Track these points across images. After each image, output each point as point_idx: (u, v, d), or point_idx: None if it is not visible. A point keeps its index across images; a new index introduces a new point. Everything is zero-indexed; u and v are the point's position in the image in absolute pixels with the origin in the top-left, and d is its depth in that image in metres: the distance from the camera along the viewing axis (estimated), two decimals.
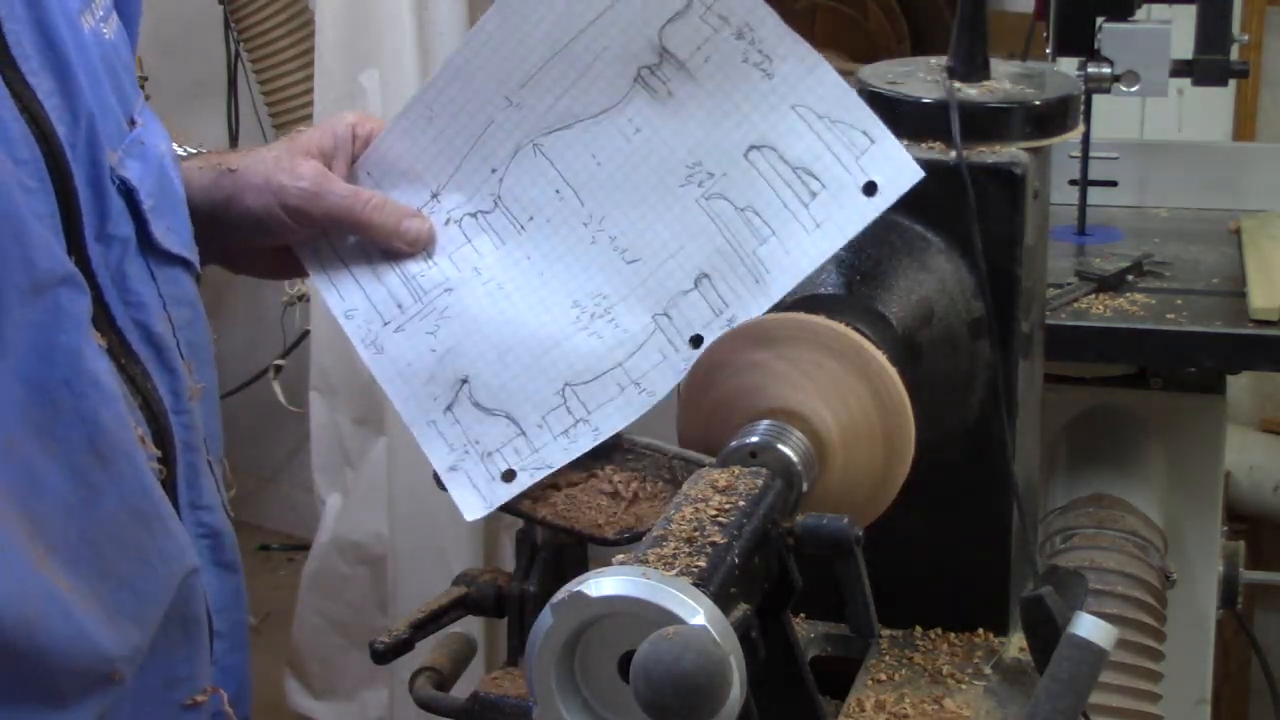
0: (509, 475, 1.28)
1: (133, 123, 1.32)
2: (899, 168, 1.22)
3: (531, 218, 1.32)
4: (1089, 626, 1.05)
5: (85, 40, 1.26)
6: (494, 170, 1.34)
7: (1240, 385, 3.20)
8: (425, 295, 1.37)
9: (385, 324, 1.38)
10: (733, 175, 1.26)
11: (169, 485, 1.29)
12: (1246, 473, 3.19)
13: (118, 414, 1.22)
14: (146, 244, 1.30)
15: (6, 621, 1.15)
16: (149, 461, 1.26)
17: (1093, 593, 1.48)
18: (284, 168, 1.43)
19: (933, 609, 1.34)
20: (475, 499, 1.30)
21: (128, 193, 1.28)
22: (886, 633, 1.33)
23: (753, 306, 1.25)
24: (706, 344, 1.23)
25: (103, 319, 1.24)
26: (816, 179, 1.23)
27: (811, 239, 1.23)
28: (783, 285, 1.24)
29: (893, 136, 1.22)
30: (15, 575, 1.15)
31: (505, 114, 1.34)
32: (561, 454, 1.26)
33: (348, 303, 1.41)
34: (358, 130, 1.44)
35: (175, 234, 1.34)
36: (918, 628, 1.35)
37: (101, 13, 1.30)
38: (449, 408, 1.32)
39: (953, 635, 1.34)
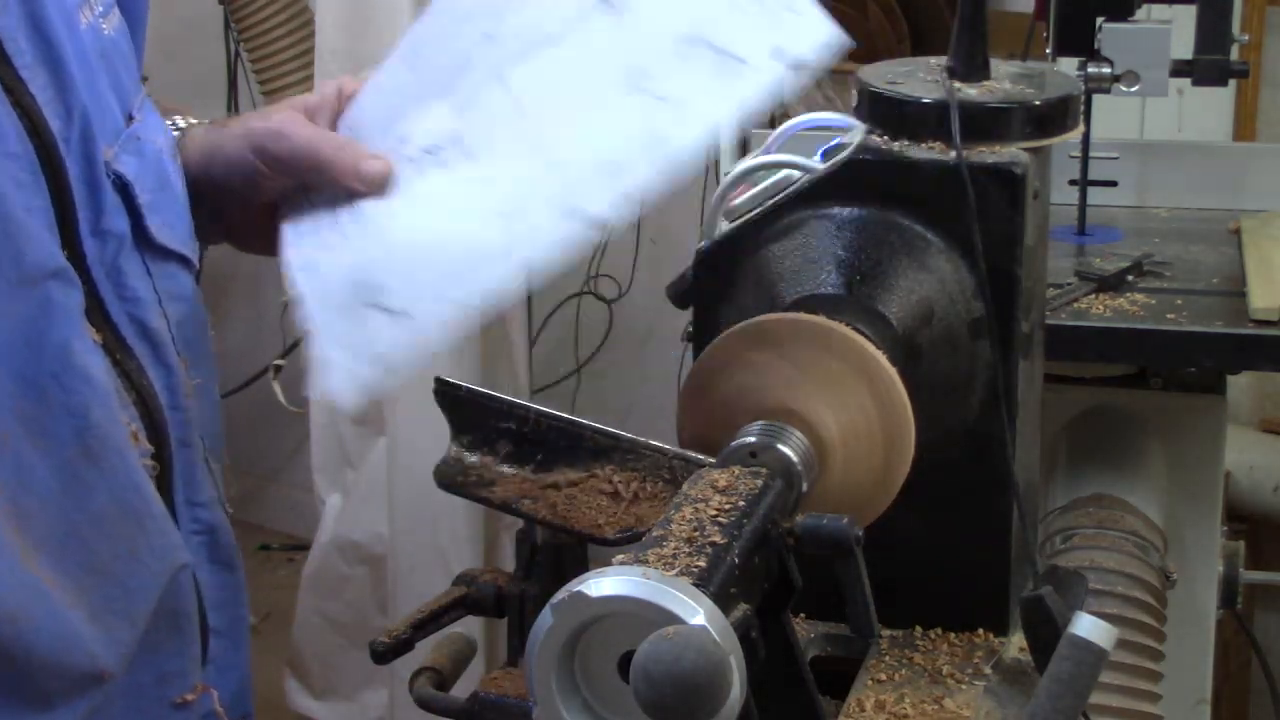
0: (388, 365, 1.29)
1: (131, 118, 1.33)
2: (819, 35, 1.27)
3: (487, 149, 1.35)
4: (1089, 626, 1.05)
5: (81, 36, 1.26)
6: (461, 108, 1.36)
7: (1240, 385, 3.20)
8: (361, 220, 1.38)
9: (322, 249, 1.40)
10: (662, 67, 1.30)
11: (164, 481, 1.29)
12: (1246, 473, 3.19)
13: (109, 409, 1.22)
14: (142, 239, 1.30)
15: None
16: (141, 458, 1.26)
17: (1093, 593, 1.48)
18: (259, 115, 1.46)
19: (933, 609, 1.34)
20: (350, 387, 1.29)
21: (123, 188, 1.27)
22: (886, 633, 1.33)
23: (658, 182, 1.28)
24: (608, 222, 1.28)
25: (97, 314, 1.24)
26: (733, 54, 1.27)
27: (727, 106, 1.28)
28: (693, 150, 1.27)
29: (816, 6, 1.28)
30: (7, 577, 1.15)
31: (481, 50, 1.35)
32: (439, 329, 1.28)
33: (304, 256, 1.42)
34: (344, 89, 1.45)
35: (172, 230, 1.34)
36: (918, 628, 1.35)
37: (101, 8, 1.30)
38: (353, 310, 1.33)
39: (953, 635, 1.34)
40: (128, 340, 1.27)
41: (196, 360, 1.38)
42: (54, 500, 1.19)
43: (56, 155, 1.21)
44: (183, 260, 1.36)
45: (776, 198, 1.33)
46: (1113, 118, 2.73)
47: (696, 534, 1.02)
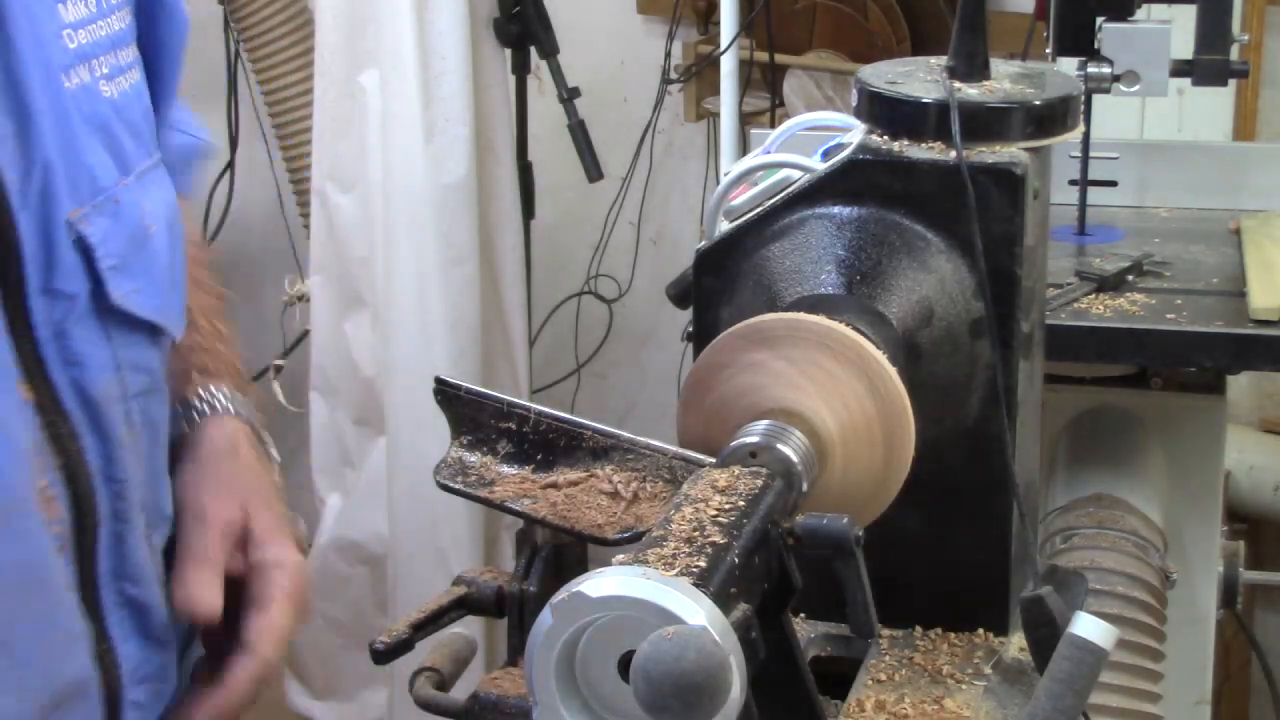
0: None
1: (120, 182, 1.28)
2: None
3: None
4: (1089, 626, 1.05)
5: (63, 94, 1.22)
6: None
7: (1240, 385, 3.20)
8: None
9: None
10: None
11: (85, 551, 1.25)
12: (1246, 473, 3.19)
13: (24, 472, 1.18)
14: (103, 304, 1.25)
15: None
16: (52, 525, 1.22)
17: (1093, 593, 1.48)
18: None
19: (933, 609, 1.34)
20: None
21: (85, 249, 1.23)
22: (886, 633, 1.33)
23: None
24: None
25: (37, 374, 1.20)
26: None
27: None
28: None
29: None
30: None
31: None
32: None
33: None
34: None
35: (143, 297, 1.29)
36: (918, 628, 1.35)
37: (107, 70, 1.27)
38: None
39: (953, 635, 1.34)
40: (64, 403, 1.23)
41: (155, 434, 1.33)
42: None
43: (6, 208, 1.17)
44: (152, 330, 1.31)
45: (776, 198, 1.33)
46: (1113, 118, 2.73)
47: (696, 534, 1.02)
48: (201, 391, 1.44)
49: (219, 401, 1.45)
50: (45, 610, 1.22)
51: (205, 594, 1.34)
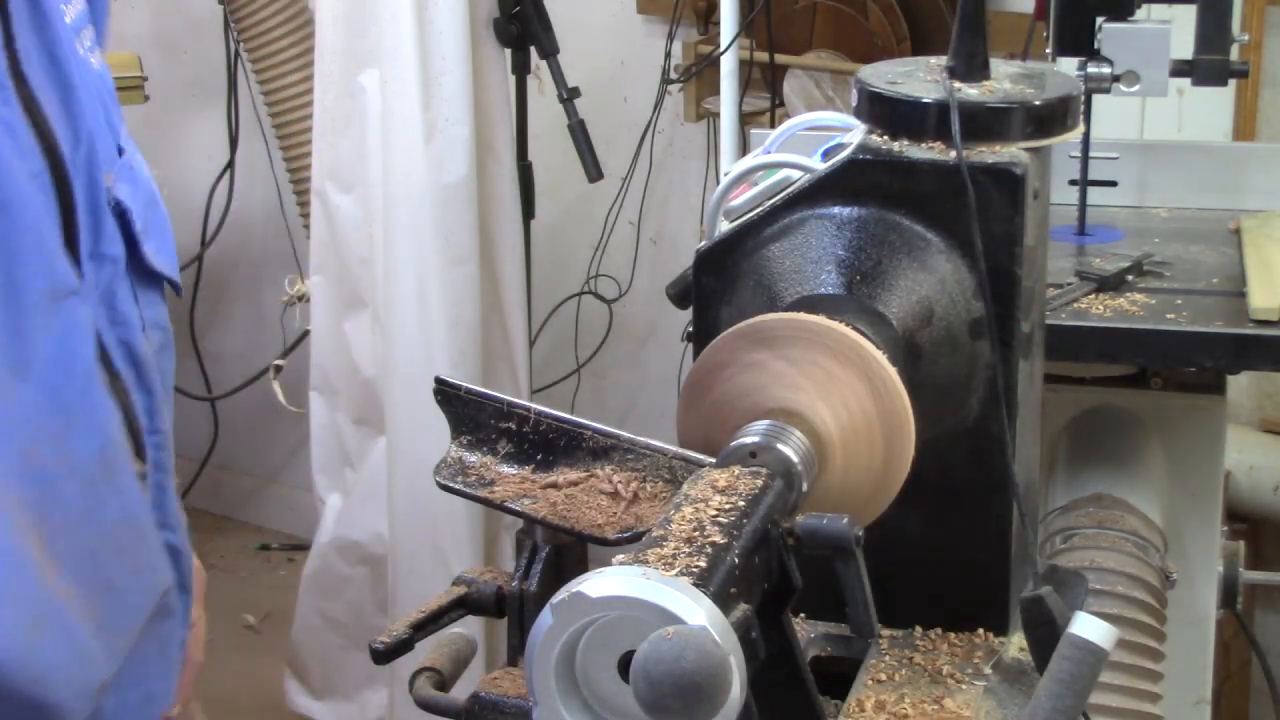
0: None
1: (122, 151, 1.34)
2: None
3: None
4: (1089, 626, 1.05)
5: (84, 65, 1.27)
6: None
7: (1240, 385, 3.20)
8: None
9: None
10: None
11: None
12: (1246, 473, 3.19)
13: (118, 427, 1.25)
14: (136, 265, 1.31)
15: (13, 654, 1.15)
16: (137, 478, 1.28)
17: (1093, 593, 1.47)
18: None
19: (933, 609, 1.34)
20: None
21: (121, 214, 1.29)
22: (886, 633, 1.33)
23: None
24: None
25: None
26: None
27: None
28: None
29: None
30: (29, 596, 1.17)
31: None
32: None
33: None
34: None
35: (163, 255, 1.36)
36: (918, 628, 1.35)
37: (89, 43, 1.31)
38: None
39: (953, 635, 1.34)
40: (116, 364, 1.28)
41: (167, 391, 1.38)
42: (75, 515, 1.21)
43: (66, 177, 1.22)
44: (164, 287, 1.38)
45: (776, 198, 1.33)
46: (1113, 118, 2.73)
47: (696, 534, 1.02)
48: None
49: None
50: (146, 558, 1.30)
51: None
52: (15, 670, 1.16)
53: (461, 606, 1.34)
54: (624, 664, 0.95)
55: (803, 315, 1.19)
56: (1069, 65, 2.29)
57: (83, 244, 1.24)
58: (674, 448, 1.22)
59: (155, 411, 1.32)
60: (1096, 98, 2.31)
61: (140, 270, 1.32)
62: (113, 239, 1.28)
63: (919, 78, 1.34)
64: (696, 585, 0.95)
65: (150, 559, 1.31)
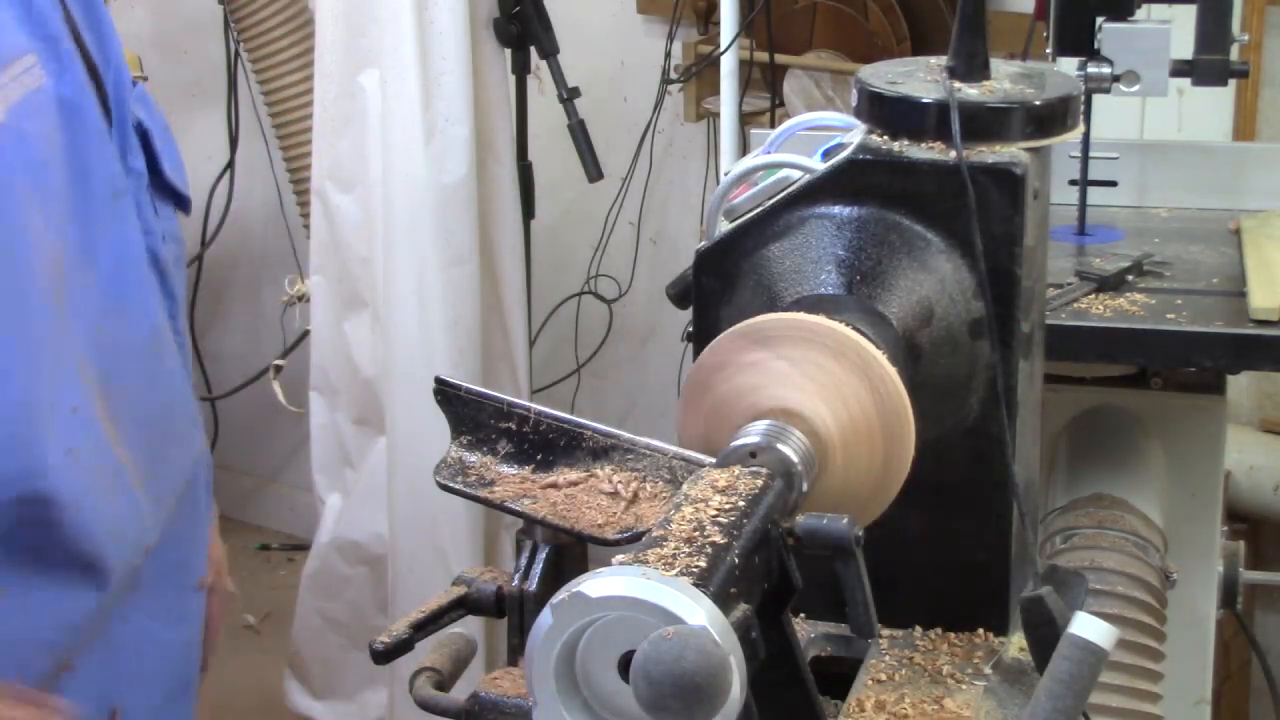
0: None
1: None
2: None
3: None
4: (1089, 626, 1.05)
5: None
6: None
7: (1240, 385, 3.20)
8: None
9: None
10: None
11: None
12: (1246, 473, 3.19)
13: (164, 313, 1.42)
14: (156, 180, 1.47)
15: (80, 508, 1.27)
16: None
17: (1093, 593, 1.47)
18: None
19: (933, 609, 1.35)
20: None
21: (143, 132, 1.44)
22: (886, 633, 1.33)
23: None
24: None
25: None
26: None
27: None
28: None
29: None
30: (97, 455, 1.30)
31: None
32: None
33: None
34: None
35: (177, 173, 1.50)
36: (918, 628, 1.35)
37: None
38: None
39: (953, 635, 1.34)
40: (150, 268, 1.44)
41: (180, 299, 1.52)
42: (135, 388, 1.37)
43: (106, 95, 1.37)
44: (179, 201, 1.52)
45: (776, 198, 1.33)
46: (1113, 118, 2.73)
47: (696, 534, 1.02)
48: None
49: None
50: (187, 431, 1.48)
51: None
52: (78, 525, 1.26)
53: (461, 606, 1.34)
54: (624, 664, 0.95)
55: (803, 315, 1.19)
56: (1069, 65, 2.29)
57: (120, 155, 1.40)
58: (674, 448, 1.22)
59: (176, 313, 1.47)
60: (1096, 98, 2.31)
61: (159, 186, 1.47)
62: (138, 154, 1.43)
63: (919, 78, 1.34)
64: (696, 585, 0.95)
65: (189, 432, 1.47)
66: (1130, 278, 2.20)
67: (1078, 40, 2.28)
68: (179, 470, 1.46)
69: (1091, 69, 2.27)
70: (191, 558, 1.50)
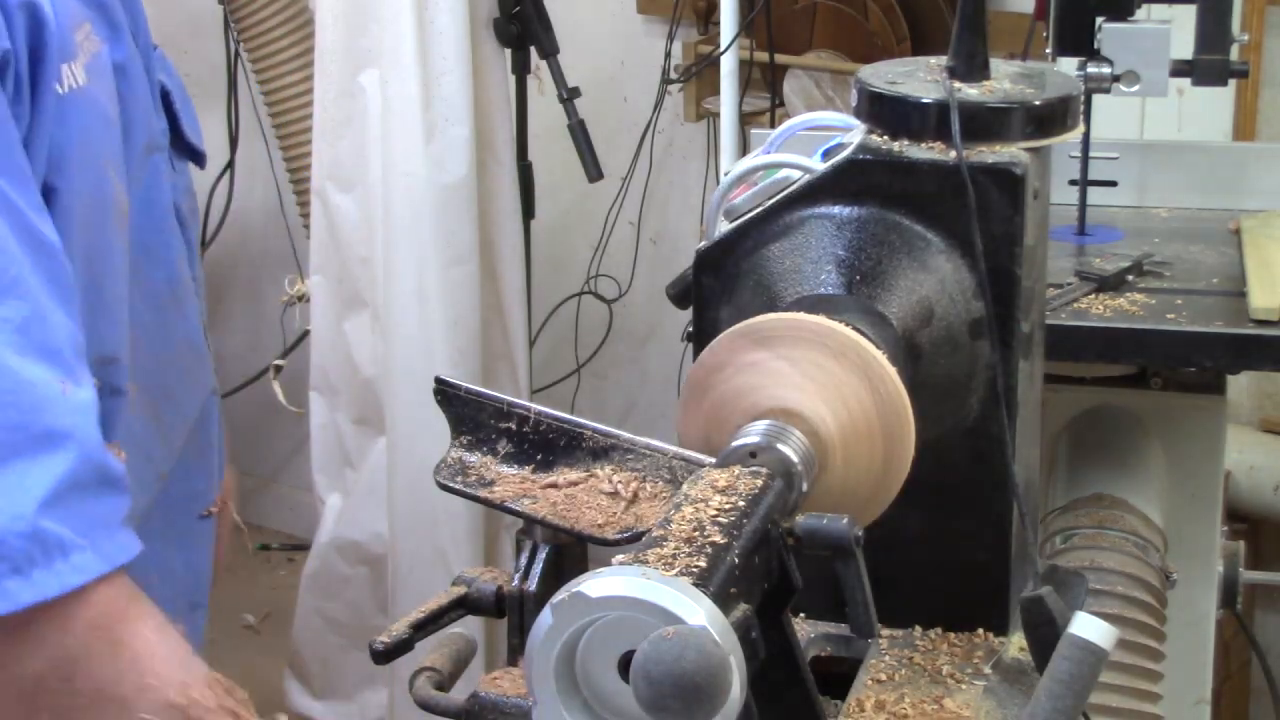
0: None
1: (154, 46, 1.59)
2: None
3: None
4: (1089, 626, 1.05)
5: None
6: None
7: (1240, 385, 3.20)
8: None
9: None
10: None
11: None
12: (1246, 473, 3.19)
13: (184, 265, 1.52)
14: (177, 139, 1.57)
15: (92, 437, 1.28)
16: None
17: (1093, 593, 1.47)
18: None
19: (933, 609, 1.35)
20: None
21: (165, 93, 1.54)
22: (886, 633, 1.33)
23: None
24: None
25: None
26: None
27: None
28: None
29: None
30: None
31: None
32: None
33: None
34: None
35: (194, 131, 1.61)
36: (918, 628, 1.35)
37: None
38: None
39: (953, 635, 1.34)
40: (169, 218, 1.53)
41: (194, 255, 1.62)
42: (148, 333, 1.45)
43: (138, 57, 1.46)
44: (195, 157, 1.62)
45: (776, 198, 1.33)
46: (1113, 118, 2.72)
47: (696, 534, 1.02)
48: None
49: None
50: (198, 372, 1.59)
51: None
52: (91, 449, 1.27)
53: (461, 606, 1.34)
54: (624, 664, 0.95)
55: (803, 315, 1.19)
56: (1069, 65, 2.29)
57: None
58: (674, 448, 1.22)
59: (194, 262, 1.58)
60: (1096, 98, 2.31)
61: (177, 143, 1.56)
62: (161, 113, 1.52)
63: (919, 78, 1.34)
64: (696, 585, 0.95)
65: (201, 374, 1.58)
66: (1130, 278, 2.20)
67: (1078, 40, 2.28)
68: (190, 406, 1.56)
69: (1091, 69, 2.27)
70: (202, 488, 1.61)
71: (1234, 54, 2.33)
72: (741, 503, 1.06)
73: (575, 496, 1.24)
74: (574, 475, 1.25)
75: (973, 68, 1.33)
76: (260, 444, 4.35)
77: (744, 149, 3.12)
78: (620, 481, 1.22)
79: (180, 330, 1.54)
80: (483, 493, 1.27)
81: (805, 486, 1.14)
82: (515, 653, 1.31)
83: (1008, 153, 1.29)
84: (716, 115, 3.30)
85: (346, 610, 3.41)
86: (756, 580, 1.05)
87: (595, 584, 0.95)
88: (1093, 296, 2.15)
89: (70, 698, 1.22)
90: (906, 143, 1.30)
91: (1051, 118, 1.31)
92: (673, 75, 3.60)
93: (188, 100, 1.62)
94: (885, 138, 1.31)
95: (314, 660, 3.49)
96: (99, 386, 1.31)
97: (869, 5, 3.36)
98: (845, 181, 1.30)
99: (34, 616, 1.18)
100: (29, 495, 1.18)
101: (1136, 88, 2.28)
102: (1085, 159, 2.39)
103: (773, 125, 3.36)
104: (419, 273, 3.10)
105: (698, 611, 0.93)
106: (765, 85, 3.47)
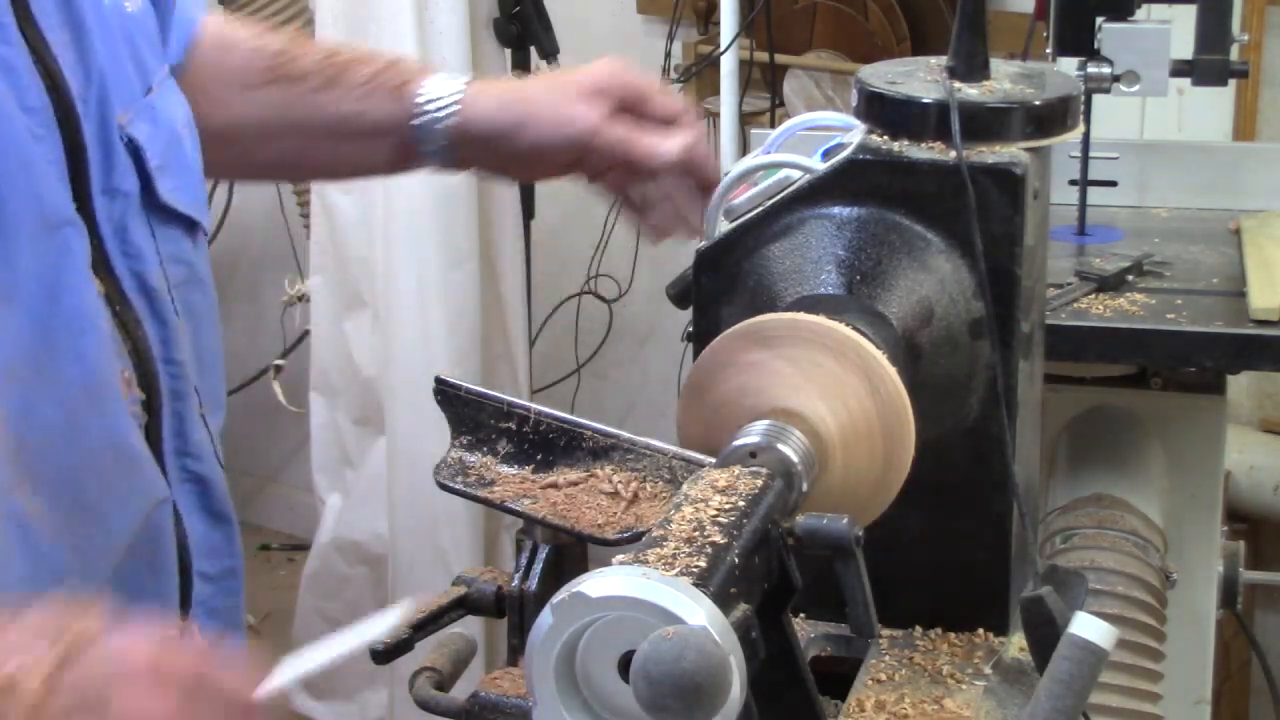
0: None
1: (150, 90, 1.41)
2: None
3: None
4: (1089, 626, 1.05)
5: (105, 9, 1.35)
6: None
7: (1240, 385, 3.20)
8: None
9: None
10: None
11: (152, 429, 1.36)
12: (1246, 473, 3.19)
13: (109, 356, 1.30)
14: (150, 201, 1.38)
15: None
16: (131, 405, 1.32)
17: (1093, 593, 1.47)
18: (565, 112, 1.50)
19: (933, 609, 1.34)
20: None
21: (135, 150, 1.35)
22: (886, 633, 1.33)
23: None
24: None
25: (102, 266, 1.31)
26: None
27: None
28: None
29: None
30: None
31: None
32: None
33: None
34: (625, 79, 1.52)
35: (183, 194, 1.42)
36: (918, 628, 1.35)
37: None
38: None
39: (953, 635, 1.34)
40: (128, 293, 1.34)
41: (198, 323, 1.45)
42: (54, 437, 1.26)
43: (74, 113, 1.29)
44: (188, 225, 1.44)
45: (776, 198, 1.33)
46: (1113, 118, 2.72)
47: (696, 534, 1.02)
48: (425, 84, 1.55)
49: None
50: (130, 481, 1.33)
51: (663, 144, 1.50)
52: None
53: (461, 606, 1.34)
54: (624, 664, 0.95)
55: (803, 315, 1.19)
56: (1069, 65, 2.29)
57: (94, 178, 1.30)
58: (674, 448, 1.22)
59: (170, 341, 1.37)
60: (1096, 98, 2.31)
61: (156, 206, 1.38)
62: (125, 174, 1.34)
63: (919, 78, 1.34)
64: (696, 585, 0.95)
65: (137, 483, 1.33)
66: (1130, 278, 2.20)
67: (1078, 40, 2.28)
68: (120, 521, 1.32)
69: (1091, 69, 2.27)
70: (155, 604, 1.37)
71: (1234, 54, 2.33)
72: (741, 503, 1.06)
73: (575, 496, 1.24)
74: (574, 475, 1.25)
75: (973, 68, 1.33)
76: (260, 444, 4.35)
77: (744, 149, 3.12)
78: (620, 481, 1.22)
79: (96, 432, 1.28)
80: (483, 493, 1.27)
81: (805, 486, 1.14)
82: (515, 653, 1.31)
83: (1008, 153, 1.29)
84: (716, 115, 3.30)
85: (346, 610, 3.41)
86: (756, 580, 1.05)
87: (595, 584, 0.95)
88: (1093, 296, 2.15)
89: None
90: (906, 143, 1.30)
91: (1051, 118, 1.31)
92: (673, 75, 3.60)
93: (181, 155, 1.43)
94: (885, 138, 1.31)
95: None
96: None
97: (869, 5, 3.36)
98: (845, 181, 1.30)
99: None
100: None
101: (1136, 88, 2.28)
102: (1085, 159, 2.39)
103: (773, 125, 3.36)
104: (419, 273, 3.10)
105: (698, 611, 0.93)
106: (765, 85, 3.47)
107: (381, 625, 1.18)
